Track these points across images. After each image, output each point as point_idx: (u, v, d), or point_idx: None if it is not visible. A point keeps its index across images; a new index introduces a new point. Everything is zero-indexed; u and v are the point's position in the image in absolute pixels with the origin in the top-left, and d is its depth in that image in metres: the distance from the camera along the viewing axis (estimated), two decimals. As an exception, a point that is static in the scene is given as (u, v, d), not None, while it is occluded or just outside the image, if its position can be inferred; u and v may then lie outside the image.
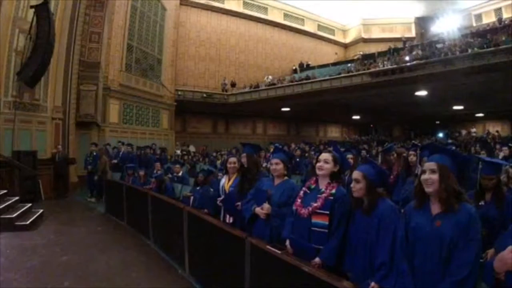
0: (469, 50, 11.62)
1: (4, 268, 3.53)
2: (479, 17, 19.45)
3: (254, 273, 2.30)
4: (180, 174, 6.40)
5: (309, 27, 22.98)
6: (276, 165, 2.58)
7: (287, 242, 2.17)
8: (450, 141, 13.50)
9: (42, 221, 5.71)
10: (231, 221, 3.05)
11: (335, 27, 24.62)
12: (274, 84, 17.41)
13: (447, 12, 19.57)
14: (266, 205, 2.45)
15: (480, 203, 2.33)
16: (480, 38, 13.07)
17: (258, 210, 2.49)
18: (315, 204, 2.09)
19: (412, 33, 22.20)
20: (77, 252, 4.21)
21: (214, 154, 12.53)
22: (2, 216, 5.01)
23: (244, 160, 3.16)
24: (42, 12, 6.74)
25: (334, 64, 19.67)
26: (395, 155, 4.57)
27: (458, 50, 11.99)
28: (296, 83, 16.31)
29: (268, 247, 2.15)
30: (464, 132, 19.88)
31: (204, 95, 17.45)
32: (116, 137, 11.37)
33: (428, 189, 1.59)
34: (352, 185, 1.98)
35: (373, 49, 19.42)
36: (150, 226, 4.63)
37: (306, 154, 8.37)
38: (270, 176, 2.72)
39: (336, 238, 2.02)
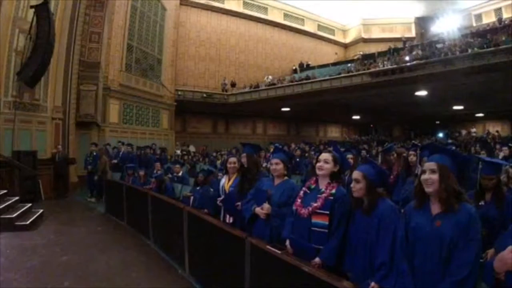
0: (469, 50, 11.62)
1: (4, 268, 3.53)
2: (479, 17, 19.45)
3: (254, 273, 2.30)
4: (180, 174, 6.40)
5: (309, 27, 22.98)
6: (276, 165, 2.58)
7: (287, 242, 2.17)
8: (450, 141, 13.50)
9: (42, 221, 5.71)
10: (231, 221, 3.05)
11: (335, 27, 24.63)
12: (274, 84, 17.41)
13: (447, 12, 19.57)
14: (266, 205, 2.45)
15: (480, 203, 2.33)
16: (480, 38, 13.07)
17: (258, 210, 2.49)
18: (315, 204, 2.09)
19: (412, 33, 22.20)
20: (77, 252, 4.21)
21: (214, 154, 12.53)
22: (2, 216, 5.01)
23: (244, 160, 3.16)
24: (42, 12, 6.74)
25: (334, 64, 19.67)
26: (395, 155, 4.57)
27: (458, 50, 11.99)
28: (296, 83, 16.31)
29: (268, 247, 2.15)
30: (464, 132, 19.88)
31: (204, 95, 17.45)
32: (116, 137, 11.37)
33: (428, 189, 1.59)
34: (352, 185, 1.98)
35: (373, 49, 19.42)
36: (150, 226, 4.63)
37: (306, 154, 8.37)
38: (270, 176, 2.72)
39: (336, 238, 2.02)
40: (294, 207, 2.23)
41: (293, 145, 11.59)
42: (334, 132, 25.18)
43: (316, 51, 23.21)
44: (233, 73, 19.29)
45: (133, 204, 5.44)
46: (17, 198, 5.89)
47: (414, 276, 1.58)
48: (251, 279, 2.32)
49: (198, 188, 4.74)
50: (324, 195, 2.11)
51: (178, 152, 13.36)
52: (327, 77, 15.46)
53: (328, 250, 2.01)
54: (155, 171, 6.17)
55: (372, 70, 13.92)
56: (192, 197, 4.64)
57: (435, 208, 1.59)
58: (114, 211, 6.32)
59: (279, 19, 21.49)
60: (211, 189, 4.05)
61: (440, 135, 21.15)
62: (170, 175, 6.37)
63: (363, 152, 8.73)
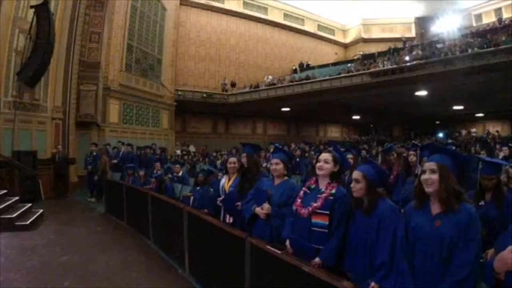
0: (469, 50, 11.62)
1: (4, 268, 3.53)
2: (479, 17, 19.45)
3: (254, 273, 2.30)
4: (180, 174, 6.40)
5: (309, 27, 22.98)
6: (276, 165, 2.58)
7: (287, 242, 2.17)
8: (450, 141, 13.50)
9: (42, 221, 5.70)
10: (231, 221, 3.05)
11: (335, 27, 24.63)
12: (274, 84, 17.41)
13: (447, 12, 19.58)
14: (266, 205, 2.45)
15: (480, 203, 2.33)
16: (480, 38, 13.07)
17: (258, 210, 2.49)
18: (315, 204, 2.09)
19: (412, 33, 22.20)
20: (77, 252, 4.21)
21: (214, 154, 12.53)
22: (2, 216, 5.01)
23: (244, 160, 3.16)
24: (42, 12, 6.74)
25: (334, 64, 19.67)
26: (395, 155, 4.57)
27: (458, 50, 11.99)
28: (296, 83, 16.31)
29: (268, 247, 2.15)
30: (464, 132, 19.89)
31: (204, 95, 17.45)
32: (116, 137, 11.37)
33: (428, 189, 1.59)
34: (352, 185, 1.98)
35: (373, 49, 19.42)
36: (150, 226, 4.63)
37: (306, 154, 8.37)
38: (270, 176, 2.72)
39: (336, 238, 2.02)
40: (294, 207, 2.23)
41: (293, 145, 11.59)
42: (334, 132, 25.19)
43: (316, 51, 23.21)
44: (233, 73, 19.29)
45: (133, 204, 5.44)
46: (17, 198, 5.89)
47: (414, 276, 1.58)
48: (251, 279, 2.32)
49: (198, 188, 4.74)
50: (324, 195, 2.11)
51: (178, 152, 13.36)
52: (327, 77, 15.46)
53: (328, 250, 2.01)
54: (155, 171, 6.17)
55: (372, 70, 13.92)
56: (192, 197, 4.64)
57: (435, 208, 1.59)
58: (114, 211, 6.31)
59: (279, 19, 21.49)
60: (211, 189, 4.05)
61: (440, 135, 21.15)
62: (170, 175, 6.36)
63: (363, 152, 8.73)
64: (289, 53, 21.82)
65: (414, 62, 12.60)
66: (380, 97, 14.94)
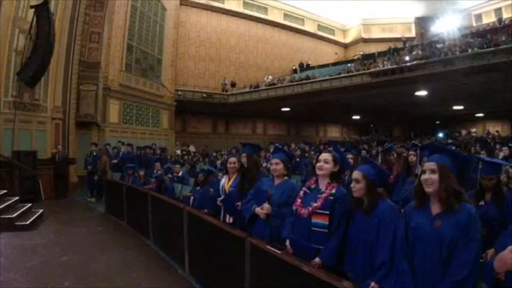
0: (469, 50, 11.62)
1: (4, 268, 3.53)
2: (479, 17, 19.45)
3: (254, 273, 2.30)
4: (180, 174, 6.40)
5: (309, 27, 22.98)
6: (276, 165, 2.58)
7: (287, 242, 2.17)
8: (450, 141, 13.50)
9: (42, 221, 5.71)
10: (231, 221, 3.05)
11: (335, 27, 24.63)
12: (274, 84, 17.41)
13: (447, 12, 19.58)
14: (266, 205, 2.45)
15: (480, 203, 2.33)
16: (480, 38, 13.07)
17: (258, 210, 2.49)
18: (315, 204, 2.09)
19: (412, 33, 22.20)
20: (77, 252, 4.21)
21: (214, 154, 12.53)
22: (2, 216, 5.01)
23: (244, 160, 3.16)
24: (42, 12, 6.74)
25: (334, 64, 19.66)
26: (395, 155, 4.57)
27: (458, 50, 11.99)
28: (296, 83, 16.31)
29: (268, 247, 2.15)
30: (464, 132, 19.89)
31: (204, 95, 17.45)
32: (116, 137, 11.37)
33: (428, 189, 1.59)
34: (352, 185, 1.98)
35: (373, 49, 19.42)
36: (150, 226, 4.63)
37: (306, 154, 8.37)
38: (270, 176, 2.72)
39: (336, 238, 2.02)
40: (294, 207, 2.23)
41: (293, 145, 11.59)
42: (334, 132, 25.18)
43: (316, 51, 23.22)
44: (233, 73, 19.29)
45: (133, 204, 5.44)
46: (17, 198, 5.89)
47: (414, 276, 1.58)
48: (251, 279, 2.32)
49: (198, 188, 4.74)
50: (324, 195, 2.11)
51: (178, 152, 13.36)
52: (327, 77, 15.46)
53: (328, 250, 2.01)
54: (155, 171, 6.17)
55: (372, 70, 13.92)
56: (192, 197, 4.64)
57: (435, 208, 1.59)
58: (114, 211, 6.31)
59: (279, 19, 21.49)
60: (211, 189, 4.05)
61: (440, 135, 21.15)
62: (170, 175, 6.36)
63: (363, 152, 8.73)
64: (289, 53, 21.82)
65: (414, 62, 12.60)
66: (380, 97, 14.94)
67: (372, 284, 1.75)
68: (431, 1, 19.74)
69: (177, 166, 6.61)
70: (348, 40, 25.05)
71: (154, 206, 4.54)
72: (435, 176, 1.58)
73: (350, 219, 2.03)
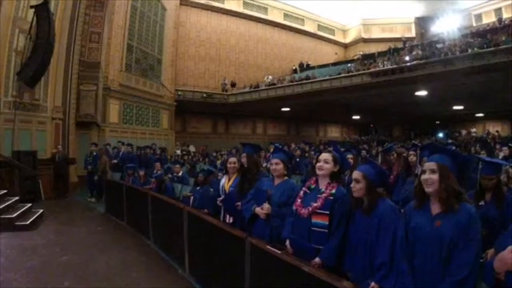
0: (469, 50, 11.62)
1: (4, 268, 3.53)
2: (479, 17, 19.45)
3: (254, 273, 2.30)
4: (180, 174, 6.40)
5: (309, 27, 22.98)
6: (276, 165, 2.58)
7: (287, 242, 2.17)
8: (450, 141, 13.50)
9: (42, 221, 5.70)
10: (231, 221, 3.05)
11: (335, 27, 24.63)
12: (274, 84, 17.41)
13: (447, 12, 19.58)
14: (266, 205, 2.45)
15: (480, 203, 2.33)
16: (480, 38, 13.07)
17: (258, 210, 2.49)
18: (315, 204, 2.09)
19: (412, 33, 22.20)
20: (77, 252, 4.21)
21: (214, 154, 12.53)
22: (2, 216, 5.01)
23: (244, 160, 3.16)
24: (42, 12, 6.74)
25: (334, 64, 19.67)
26: (395, 155, 4.57)
27: (458, 50, 11.99)
28: (296, 83, 16.31)
29: (268, 247, 2.15)
30: (464, 132, 19.89)
31: (204, 95, 17.45)
32: (116, 137, 11.37)
33: (428, 189, 1.59)
34: (352, 185, 1.98)
35: (373, 49, 19.42)
36: (150, 226, 4.63)
37: (306, 154, 8.37)
38: (270, 176, 2.72)
39: (336, 238, 2.02)
40: (294, 207, 2.23)
41: (293, 145, 11.59)
42: (334, 132, 25.18)
43: (316, 51, 23.22)
44: (233, 73, 19.29)
45: (133, 204, 5.44)
46: (17, 198, 5.89)
47: (414, 276, 1.58)
48: (251, 279, 2.32)
49: (198, 188, 4.74)
50: (324, 195, 2.11)
51: (178, 152, 13.36)
52: (327, 77, 15.46)
53: (328, 250, 2.01)
54: (155, 171, 6.17)
55: (372, 70, 13.92)
56: (192, 197, 4.64)
57: (435, 208, 1.59)
58: (114, 211, 6.31)
59: (279, 19, 21.49)
60: (211, 189, 4.05)
61: (440, 135, 21.16)
62: (170, 175, 6.36)
63: (363, 152, 8.73)
64: (289, 53, 21.82)
65: (414, 62, 12.60)
66: (380, 97, 14.94)
67: (372, 284, 1.75)
68: (431, 1, 19.74)
69: (177, 166, 6.61)
70: (348, 40, 25.05)
71: (154, 206, 4.54)
72: (435, 176, 1.58)
73: (350, 219, 2.03)
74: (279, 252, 2.05)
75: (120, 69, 12.42)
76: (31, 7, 6.98)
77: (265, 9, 20.92)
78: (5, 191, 5.76)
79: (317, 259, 2.00)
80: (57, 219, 6.02)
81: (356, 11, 22.32)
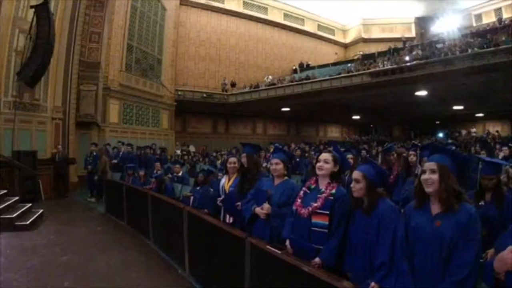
0: (469, 50, 11.62)
1: (4, 268, 3.53)
2: (479, 17, 19.45)
3: (254, 273, 2.30)
4: (180, 174, 6.40)
5: (309, 27, 22.98)
6: (276, 165, 2.58)
7: (287, 242, 2.17)
8: (450, 141, 13.50)
9: (42, 221, 5.71)
10: (231, 221, 3.05)
11: (335, 27, 24.63)
12: (274, 84, 17.41)
13: (447, 12, 19.57)
14: (266, 205, 2.45)
15: (480, 203, 2.33)
16: (480, 38, 13.07)
17: (258, 210, 2.49)
18: (315, 204, 2.09)
19: (412, 33, 22.21)
20: (77, 252, 4.21)
21: (214, 154, 12.53)
22: (2, 216, 5.01)
23: (244, 160, 3.16)
24: (42, 12, 6.74)
25: (334, 64, 19.67)
26: (395, 155, 4.57)
27: (458, 50, 11.99)
28: (296, 83, 16.31)
29: (268, 247, 2.15)
30: (464, 132, 19.89)
31: (204, 95, 17.45)
32: (116, 137, 11.37)
33: (428, 189, 1.59)
34: (352, 185, 1.98)
35: (373, 49, 19.42)
36: (150, 226, 4.63)
37: (306, 154, 8.37)
38: (270, 176, 2.72)
39: (336, 238, 2.02)
40: (294, 207, 2.23)
41: (293, 145, 11.60)
42: (334, 132, 25.18)
43: (316, 51, 23.22)
44: (233, 73, 19.29)
45: (133, 204, 5.44)
46: (17, 198, 5.89)
47: (414, 276, 1.58)
48: (251, 279, 2.32)
49: (198, 188, 4.74)
50: (324, 195, 2.10)
51: (178, 152, 13.37)
52: (327, 77, 15.46)
53: (328, 250, 2.01)
54: (155, 171, 6.17)
55: (372, 70, 13.92)
56: (192, 197, 4.64)
57: (435, 208, 1.59)
58: (114, 211, 6.31)
59: (279, 19, 21.49)
60: (211, 189, 4.05)
61: (440, 135, 21.16)
62: (170, 175, 6.37)
63: (363, 152, 8.72)
64: (289, 53, 21.82)
65: (414, 62, 12.60)
66: (380, 97, 14.94)
67: (372, 284, 1.75)
68: (431, 1, 19.74)
69: (177, 166, 6.62)
70: (348, 40, 25.05)
71: (154, 206, 4.54)
72: (435, 176, 1.58)
73: (350, 219, 2.03)
74: (279, 252, 2.05)
75: (120, 69, 12.42)
76: (31, 7, 6.98)
77: (265, 9, 20.92)
78: (5, 191, 5.76)
79: (317, 259, 2.00)
80: (57, 219, 6.02)
81: (356, 11, 22.32)
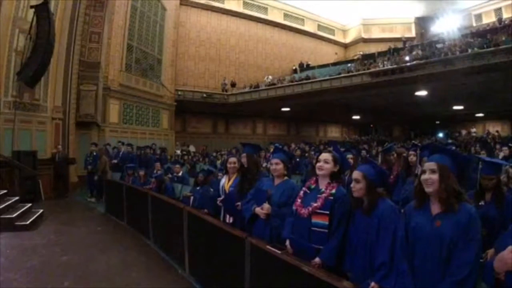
0: (469, 50, 11.61)
1: (4, 268, 3.53)
2: (479, 17, 19.45)
3: (254, 273, 2.30)
4: (180, 174, 6.40)
5: (309, 27, 22.98)
6: (276, 165, 2.58)
7: (287, 242, 2.17)
8: (450, 141, 13.49)
9: (42, 221, 5.71)
10: (231, 221, 3.05)
11: (335, 27, 24.63)
12: (274, 84, 17.41)
13: (447, 12, 19.57)
14: (266, 205, 2.45)
15: (480, 203, 2.33)
16: (480, 38, 13.07)
17: (258, 210, 2.49)
18: (315, 204, 2.09)
19: (412, 33, 22.20)
20: (77, 252, 4.21)
21: (214, 154, 12.53)
22: (2, 216, 5.01)
23: (244, 160, 3.16)
24: (42, 12, 6.74)
25: (334, 64, 19.67)
26: (395, 155, 4.57)
27: (458, 50, 11.99)
28: (296, 83, 16.31)
29: (268, 247, 2.15)
30: (464, 132, 19.88)
31: (204, 95, 17.45)
32: (116, 137, 11.37)
33: (428, 189, 1.59)
34: (352, 185, 1.98)
35: (373, 49, 19.42)
36: (150, 226, 4.63)
37: (306, 154, 8.37)
38: (270, 176, 2.72)
39: (336, 238, 2.02)
40: (294, 207, 2.23)
41: (293, 145, 11.60)
42: (334, 132, 25.18)
43: (316, 51, 23.21)
44: (233, 73, 19.29)
45: (133, 204, 5.44)
46: (17, 198, 5.89)
47: (414, 276, 1.58)
48: (251, 279, 2.32)
49: (198, 188, 4.74)
50: (324, 195, 2.10)
51: (178, 152, 13.37)
52: (327, 77, 15.45)
53: (328, 250, 2.01)
54: (155, 171, 6.17)
55: (372, 70, 13.91)
56: (192, 197, 4.64)
57: (435, 208, 1.59)
58: (114, 211, 6.31)
59: (279, 19, 21.49)
60: (211, 189, 4.05)
61: (440, 135, 21.15)
62: (170, 175, 6.37)
63: (363, 152, 8.72)
64: (289, 53, 21.82)
65: (414, 62, 12.60)
66: (380, 97, 14.94)
67: (372, 284, 1.75)
68: (431, 1, 19.74)
69: (177, 166, 6.62)
70: (348, 40, 25.05)
71: (154, 206, 4.54)
72: (435, 176, 1.58)
73: (350, 219, 2.03)
74: (279, 252, 2.05)
75: (120, 69, 12.42)
76: (31, 7, 6.98)
77: (265, 9, 20.92)
78: (5, 191, 5.76)
79: (317, 259, 2.00)
80: (57, 219, 6.02)
81: (356, 11, 22.32)
